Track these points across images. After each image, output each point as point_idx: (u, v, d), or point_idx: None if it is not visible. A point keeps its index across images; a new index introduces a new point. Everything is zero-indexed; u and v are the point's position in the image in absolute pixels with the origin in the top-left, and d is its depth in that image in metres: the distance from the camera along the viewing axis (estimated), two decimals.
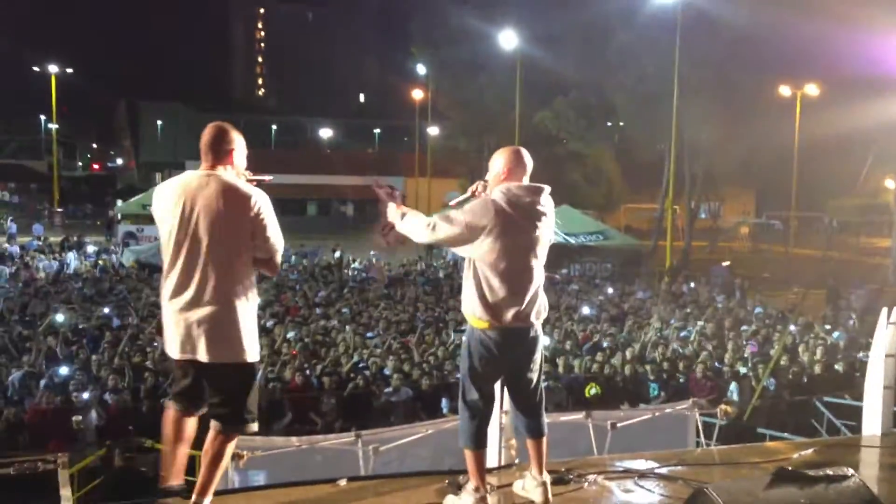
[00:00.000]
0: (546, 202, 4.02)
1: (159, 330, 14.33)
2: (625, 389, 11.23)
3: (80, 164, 78.94)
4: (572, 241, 26.12)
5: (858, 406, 5.93)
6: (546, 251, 4.06)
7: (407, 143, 54.36)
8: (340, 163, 55.33)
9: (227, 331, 3.58)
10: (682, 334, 14.62)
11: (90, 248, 28.62)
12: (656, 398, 10.94)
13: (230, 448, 3.78)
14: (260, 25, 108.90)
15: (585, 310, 17.35)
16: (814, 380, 11.60)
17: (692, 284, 23.28)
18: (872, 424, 5.60)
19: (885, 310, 5.64)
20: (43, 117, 62.46)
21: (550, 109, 36.66)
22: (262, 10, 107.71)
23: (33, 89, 54.78)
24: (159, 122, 73.93)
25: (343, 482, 4.31)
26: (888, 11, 20.82)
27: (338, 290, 20.14)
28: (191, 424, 3.85)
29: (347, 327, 14.60)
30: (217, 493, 4.52)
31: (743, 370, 11.86)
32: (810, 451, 5.22)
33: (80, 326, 14.42)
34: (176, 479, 3.85)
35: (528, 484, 4.15)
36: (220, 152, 3.70)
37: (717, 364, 12.22)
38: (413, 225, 4.07)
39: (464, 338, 4.16)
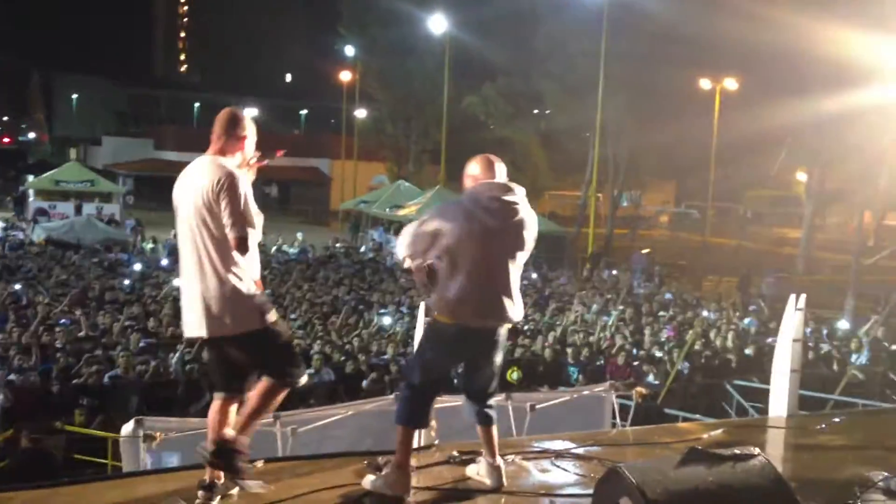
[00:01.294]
0: (518, 201, 4.03)
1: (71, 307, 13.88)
2: (545, 373, 11.39)
3: None
4: None
5: (766, 389, 6.14)
6: (523, 251, 4.05)
7: (334, 126, 53.71)
8: (265, 143, 54.08)
9: (215, 306, 3.65)
10: (602, 319, 14.92)
11: None
12: (576, 382, 11.13)
13: (271, 391, 3.78)
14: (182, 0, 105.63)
15: None
16: (725, 364, 12.00)
17: (613, 271, 23.76)
18: (779, 406, 5.81)
19: (792, 296, 5.84)
20: None
21: (479, 95, 36.77)
22: None
23: None
24: (74, 96, 71.19)
25: (260, 463, 4.24)
26: (804, 9, 21.55)
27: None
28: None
29: None
30: (128, 475, 4.42)
31: (659, 354, 12.18)
32: (720, 431, 5.39)
33: None
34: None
35: (483, 469, 4.20)
36: (232, 138, 3.81)
37: (634, 349, 12.52)
38: (400, 241, 4.10)
39: (424, 325, 4.19)
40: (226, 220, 3.62)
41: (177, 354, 10.49)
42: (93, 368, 9.90)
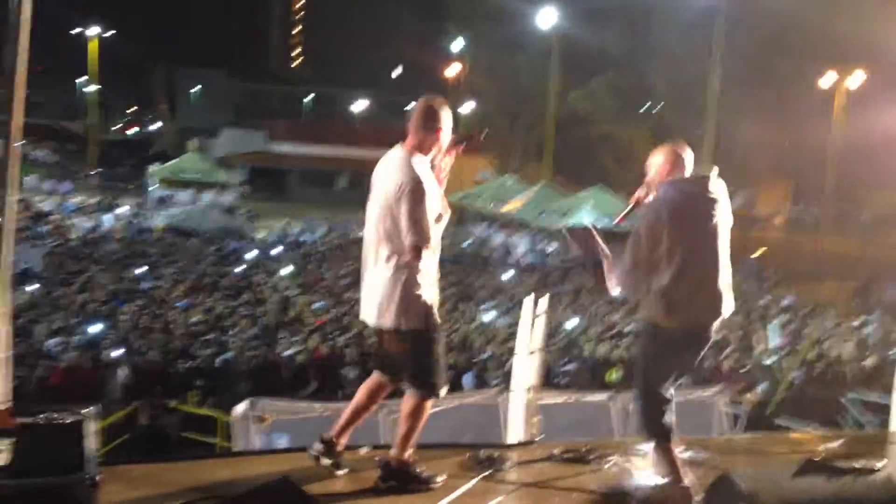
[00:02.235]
0: (715, 188, 3.96)
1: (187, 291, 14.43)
2: None
3: (118, 126, 79.61)
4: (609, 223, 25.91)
5: (886, 403, 5.81)
6: (727, 239, 3.97)
7: None
8: (372, 136, 55.10)
9: (383, 297, 3.77)
10: None
11: (124, 211, 28.81)
12: (680, 385, 10.83)
13: (416, 410, 3.88)
14: None
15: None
16: (840, 375, 11.45)
17: None
18: None
19: None
20: (78, 80, 62.91)
21: (585, 89, 36.24)
22: None
23: (69, 51, 54.92)
24: (196, 88, 74.26)
25: (364, 449, 4.33)
26: None
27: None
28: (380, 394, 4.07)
29: None
30: (239, 454, 4.58)
31: (770, 361, 11.74)
32: (837, 444, 5.14)
33: (112, 287, 14.59)
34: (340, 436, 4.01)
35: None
36: (429, 131, 3.84)
37: (743, 355, 12.11)
38: (618, 271, 4.00)
39: (644, 335, 4.10)
40: (402, 225, 3.69)
41: (285, 341, 10.82)
42: (206, 352, 10.32)
